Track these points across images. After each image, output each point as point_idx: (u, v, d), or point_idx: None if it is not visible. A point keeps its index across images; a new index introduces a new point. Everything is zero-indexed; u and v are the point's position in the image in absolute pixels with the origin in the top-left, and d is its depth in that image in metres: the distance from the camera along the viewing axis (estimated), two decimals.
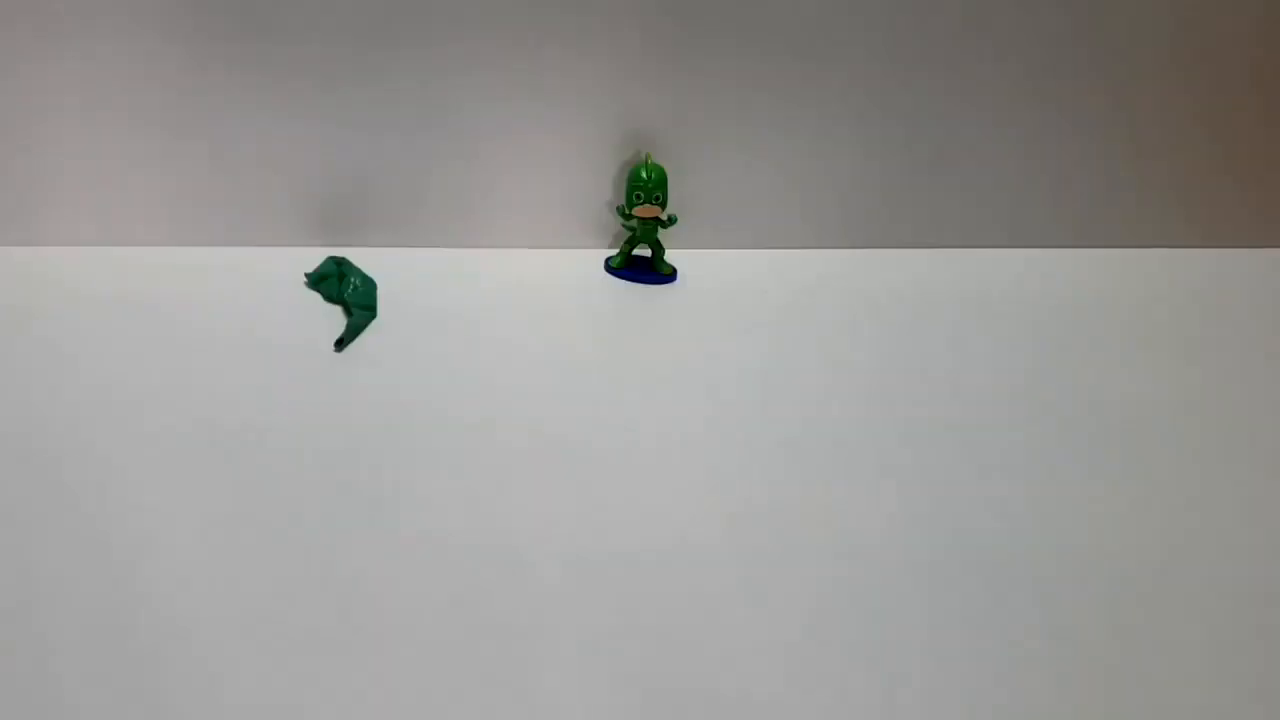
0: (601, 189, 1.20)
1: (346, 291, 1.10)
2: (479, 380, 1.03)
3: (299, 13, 1.09)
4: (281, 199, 1.17)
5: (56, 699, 0.72)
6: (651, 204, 1.17)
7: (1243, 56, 1.17)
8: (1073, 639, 0.81)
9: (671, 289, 1.18)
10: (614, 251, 1.21)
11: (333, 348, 1.06)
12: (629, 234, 1.20)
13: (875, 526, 0.89)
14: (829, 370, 1.06)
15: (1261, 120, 1.20)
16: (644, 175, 1.16)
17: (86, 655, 0.75)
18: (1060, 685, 0.78)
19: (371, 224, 1.19)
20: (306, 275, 1.13)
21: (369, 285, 1.11)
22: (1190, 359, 1.10)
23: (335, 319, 1.09)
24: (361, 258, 1.15)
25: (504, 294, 1.14)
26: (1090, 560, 0.87)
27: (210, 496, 0.89)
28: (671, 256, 1.20)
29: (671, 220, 1.18)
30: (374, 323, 1.10)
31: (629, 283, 1.19)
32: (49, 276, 1.12)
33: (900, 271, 1.19)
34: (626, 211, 1.18)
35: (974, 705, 0.76)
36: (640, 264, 1.20)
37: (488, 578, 0.83)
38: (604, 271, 1.20)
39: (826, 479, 0.94)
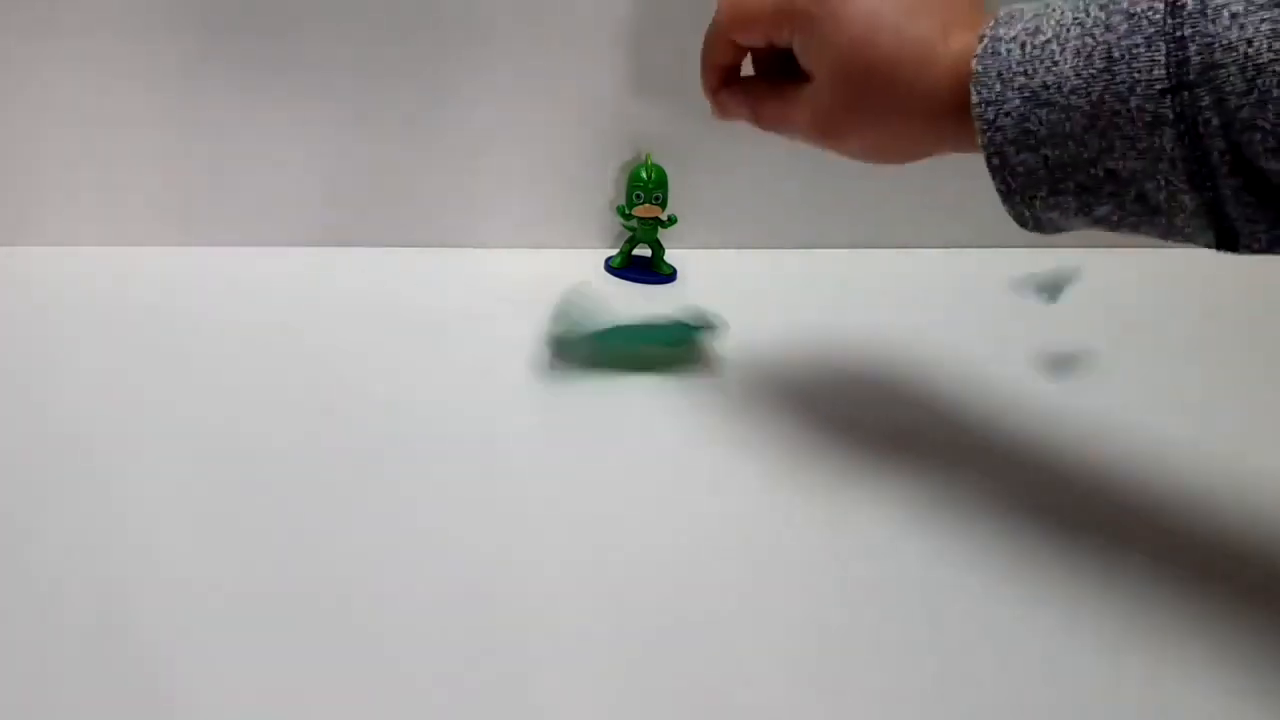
0: (602, 189, 1.20)
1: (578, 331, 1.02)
2: (479, 380, 1.03)
3: (299, 12, 1.09)
4: (281, 199, 1.17)
5: (55, 700, 0.72)
6: (651, 204, 1.17)
7: None
8: (1074, 639, 0.81)
9: (671, 289, 1.18)
10: (614, 251, 1.21)
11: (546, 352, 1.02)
12: (629, 234, 1.20)
13: (875, 526, 0.89)
14: (829, 370, 1.06)
15: None
16: (644, 175, 1.16)
17: (85, 657, 0.75)
18: (1061, 685, 0.78)
19: (371, 224, 1.19)
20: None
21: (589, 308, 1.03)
22: (1190, 359, 1.10)
23: (335, 318, 1.09)
24: (361, 257, 1.15)
25: (504, 294, 1.14)
26: (1090, 560, 0.87)
27: (210, 497, 0.89)
28: (671, 256, 1.20)
29: (671, 220, 1.18)
30: (374, 322, 1.09)
31: (629, 283, 1.19)
32: (49, 276, 1.12)
33: (900, 271, 1.19)
34: (626, 211, 1.18)
35: (975, 704, 0.76)
36: (640, 264, 1.20)
37: (488, 578, 0.83)
38: (604, 271, 1.20)
39: (826, 479, 0.94)
